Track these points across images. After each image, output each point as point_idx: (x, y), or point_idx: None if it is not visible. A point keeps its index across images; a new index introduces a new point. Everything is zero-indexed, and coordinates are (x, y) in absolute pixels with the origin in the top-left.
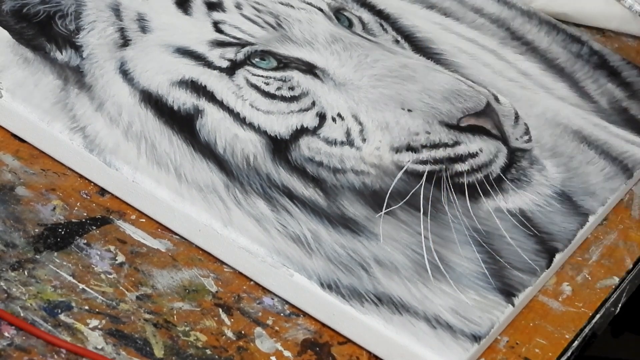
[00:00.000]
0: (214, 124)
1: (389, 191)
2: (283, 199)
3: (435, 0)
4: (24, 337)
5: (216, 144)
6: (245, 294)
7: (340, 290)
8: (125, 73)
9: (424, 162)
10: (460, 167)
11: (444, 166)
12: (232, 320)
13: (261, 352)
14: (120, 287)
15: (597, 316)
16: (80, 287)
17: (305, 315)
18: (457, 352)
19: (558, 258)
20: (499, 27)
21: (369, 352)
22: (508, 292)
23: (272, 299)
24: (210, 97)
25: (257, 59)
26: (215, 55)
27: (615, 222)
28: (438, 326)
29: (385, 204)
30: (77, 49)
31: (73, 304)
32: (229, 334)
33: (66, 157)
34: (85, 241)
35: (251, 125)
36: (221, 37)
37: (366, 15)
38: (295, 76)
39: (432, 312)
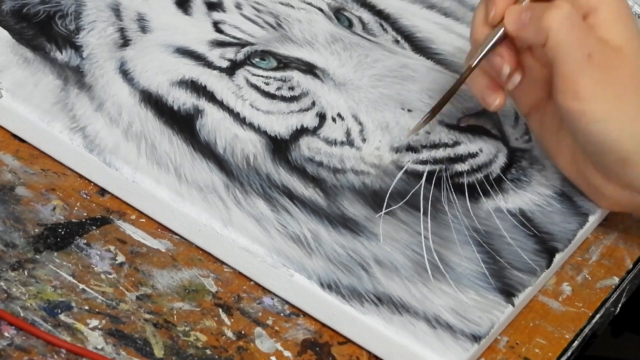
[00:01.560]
0: (214, 124)
1: (389, 191)
2: (283, 199)
3: (435, 0)
4: (24, 337)
5: (216, 144)
6: (245, 294)
7: (340, 290)
8: (125, 73)
9: (424, 162)
10: (460, 167)
11: (444, 166)
12: (232, 320)
13: (261, 352)
14: (120, 287)
15: (597, 316)
16: (80, 287)
17: (305, 315)
18: (457, 352)
19: (558, 258)
20: None
21: (369, 352)
22: (508, 292)
23: (272, 299)
24: (210, 97)
25: (257, 59)
26: (215, 55)
27: (615, 222)
28: (438, 326)
29: (385, 204)
30: (77, 49)
31: (73, 304)
32: (229, 334)
33: (66, 157)
34: (85, 241)
35: (251, 125)
36: (221, 37)
37: (366, 15)
38: (295, 76)
39: (432, 312)
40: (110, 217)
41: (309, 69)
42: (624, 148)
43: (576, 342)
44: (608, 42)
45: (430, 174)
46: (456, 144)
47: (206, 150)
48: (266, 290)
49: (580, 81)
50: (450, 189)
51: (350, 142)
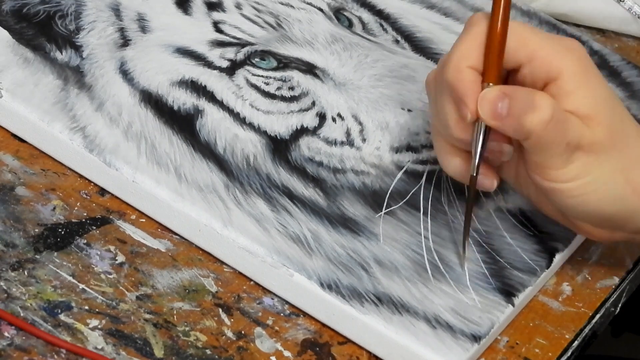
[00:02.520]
0: (214, 124)
1: (389, 191)
2: (283, 199)
3: (435, 0)
4: (24, 337)
5: (216, 144)
6: (245, 294)
7: (340, 290)
8: (125, 73)
9: (424, 162)
10: None
11: None
12: (232, 320)
13: (261, 352)
14: (120, 287)
15: (597, 316)
16: (80, 287)
17: (305, 315)
18: (457, 352)
19: (558, 258)
20: None
21: (369, 352)
22: (508, 292)
23: (272, 299)
24: (210, 97)
25: (257, 59)
26: (215, 55)
27: None
28: (438, 326)
29: (385, 204)
30: (77, 49)
31: (73, 304)
32: (229, 334)
33: (66, 157)
34: (85, 241)
35: (251, 125)
36: (221, 37)
37: (366, 15)
38: (295, 76)
39: (432, 312)
40: (110, 217)
41: (309, 69)
42: (606, 211)
43: (576, 342)
44: (578, 112)
45: (430, 174)
46: None
47: (206, 150)
48: (266, 290)
49: (555, 167)
50: (450, 189)
51: (350, 142)
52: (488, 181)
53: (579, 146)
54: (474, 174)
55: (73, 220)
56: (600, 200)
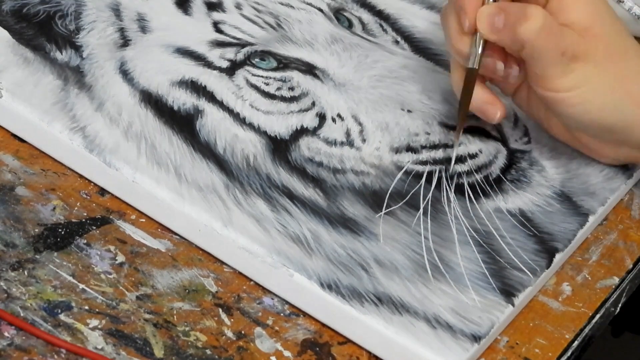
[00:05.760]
0: (214, 124)
1: (389, 191)
2: (283, 199)
3: (435, 1)
4: (23, 337)
5: (216, 144)
6: (245, 294)
7: (340, 290)
8: (125, 73)
9: (424, 163)
10: (460, 167)
11: (444, 167)
12: (232, 320)
13: (261, 352)
14: (120, 287)
15: (597, 316)
16: (80, 287)
17: (305, 315)
18: (457, 352)
19: (558, 258)
20: None
21: (369, 352)
22: (508, 292)
23: (272, 299)
24: (210, 97)
25: (257, 59)
26: (215, 56)
27: (615, 222)
28: (438, 326)
29: (385, 204)
30: (77, 49)
31: (73, 304)
32: (229, 334)
33: (66, 157)
34: (85, 241)
35: (251, 126)
36: (221, 37)
37: (366, 16)
38: (295, 76)
39: (432, 312)
40: (110, 217)
41: (309, 69)
42: (607, 121)
43: (576, 342)
44: (575, 25)
45: (430, 174)
46: None
47: (206, 150)
48: (266, 290)
49: (554, 76)
50: (450, 189)
51: (350, 143)
52: (493, 109)
53: (576, 56)
54: (473, 67)
55: (73, 220)
56: (599, 109)
